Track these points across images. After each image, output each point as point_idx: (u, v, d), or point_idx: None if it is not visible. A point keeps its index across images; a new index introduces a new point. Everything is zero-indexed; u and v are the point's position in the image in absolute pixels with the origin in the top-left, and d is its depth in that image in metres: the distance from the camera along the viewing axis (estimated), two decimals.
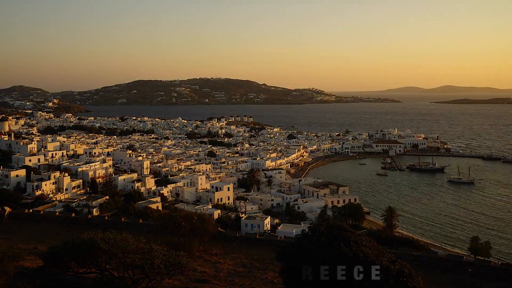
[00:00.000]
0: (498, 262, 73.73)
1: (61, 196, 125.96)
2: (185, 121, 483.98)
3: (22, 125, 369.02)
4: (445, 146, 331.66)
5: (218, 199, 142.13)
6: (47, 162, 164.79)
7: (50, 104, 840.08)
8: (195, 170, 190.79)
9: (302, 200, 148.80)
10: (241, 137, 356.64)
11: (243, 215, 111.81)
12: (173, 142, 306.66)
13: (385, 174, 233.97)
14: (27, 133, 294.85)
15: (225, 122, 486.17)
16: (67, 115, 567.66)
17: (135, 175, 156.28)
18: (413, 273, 31.41)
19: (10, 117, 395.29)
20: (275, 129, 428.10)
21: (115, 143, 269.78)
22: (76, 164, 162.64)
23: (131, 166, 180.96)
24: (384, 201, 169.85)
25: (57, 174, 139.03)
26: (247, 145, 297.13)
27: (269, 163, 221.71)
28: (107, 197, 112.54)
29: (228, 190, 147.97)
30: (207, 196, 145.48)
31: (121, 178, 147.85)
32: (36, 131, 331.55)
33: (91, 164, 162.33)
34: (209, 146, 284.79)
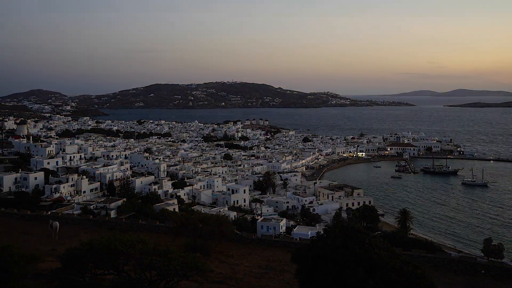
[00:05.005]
0: (511, 263, 73.09)
1: (79, 199, 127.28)
2: (202, 124, 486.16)
3: (40, 129, 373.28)
4: (458, 149, 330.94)
5: (234, 201, 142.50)
6: (65, 165, 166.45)
7: (68, 107, 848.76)
8: (212, 172, 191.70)
9: (317, 202, 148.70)
10: (257, 140, 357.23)
11: (259, 217, 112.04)
12: (190, 145, 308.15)
13: (399, 177, 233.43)
14: (45, 136, 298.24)
15: (241, 125, 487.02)
16: (85, 118, 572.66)
17: (152, 178, 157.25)
18: (426, 274, 31.59)
19: (28, 121, 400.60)
20: (291, 132, 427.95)
21: (132, 146, 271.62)
22: (94, 166, 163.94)
23: (148, 168, 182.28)
24: (398, 203, 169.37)
25: (75, 176, 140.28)
26: (263, 148, 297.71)
27: (284, 166, 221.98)
28: (125, 199, 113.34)
29: (244, 192, 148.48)
30: (223, 198, 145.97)
31: (138, 180, 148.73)
32: (55, 134, 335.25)
33: (108, 167, 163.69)
34: (225, 149, 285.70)
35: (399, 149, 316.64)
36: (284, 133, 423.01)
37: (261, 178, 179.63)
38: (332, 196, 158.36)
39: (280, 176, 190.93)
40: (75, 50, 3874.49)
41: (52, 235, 62.66)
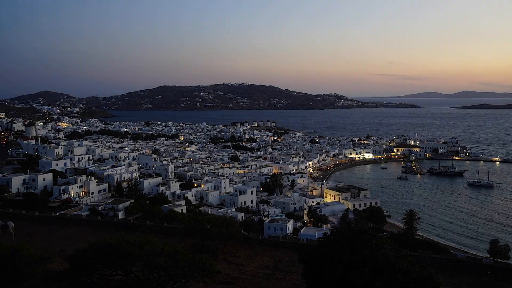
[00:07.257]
0: None
1: (87, 200, 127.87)
2: (209, 126, 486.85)
3: (49, 130, 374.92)
4: (464, 150, 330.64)
5: (241, 202, 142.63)
6: (73, 166, 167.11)
7: (77, 109, 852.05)
8: (219, 174, 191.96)
9: (324, 204, 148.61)
10: (264, 142, 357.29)
11: (266, 218, 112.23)
12: (197, 146, 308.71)
13: (406, 178, 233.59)
14: (53, 138, 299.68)
15: (248, 126, 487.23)
16: (93, 120, 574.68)
17: (160, 179, 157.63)
18: (433, 275, 31.62)
19: (37, 122, 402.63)
20: (298, 134, 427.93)
21: (140, 148, 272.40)
22: (102, 168, 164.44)
23: (156, 170, 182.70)
24: (405, 204, 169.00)
25: (84, 178, 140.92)
26: (270, 150, 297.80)
27: (291, 167, 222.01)
28: (133, 200, 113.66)
29: (252, 193, 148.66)
30: (230, 199, 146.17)
31: (146, 182, 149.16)
32: (63, 135, 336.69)
33: (116, 168, 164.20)
34: (232, 150, 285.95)
35: (406, 150, 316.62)
36: (291, 135, 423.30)
37: (268, 179, 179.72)
38: (339, 197, 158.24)
39: (287, 177, 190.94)
40: (83, 52, 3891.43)
41: (4, 236, 56.53)
